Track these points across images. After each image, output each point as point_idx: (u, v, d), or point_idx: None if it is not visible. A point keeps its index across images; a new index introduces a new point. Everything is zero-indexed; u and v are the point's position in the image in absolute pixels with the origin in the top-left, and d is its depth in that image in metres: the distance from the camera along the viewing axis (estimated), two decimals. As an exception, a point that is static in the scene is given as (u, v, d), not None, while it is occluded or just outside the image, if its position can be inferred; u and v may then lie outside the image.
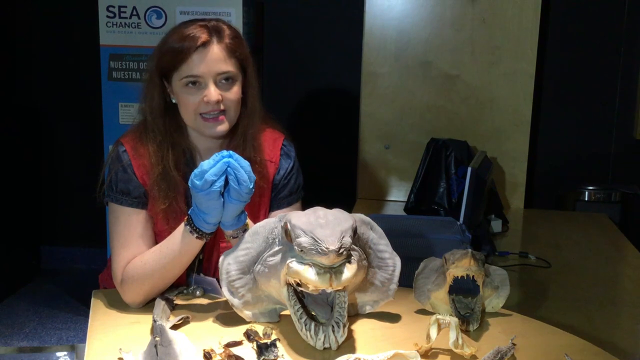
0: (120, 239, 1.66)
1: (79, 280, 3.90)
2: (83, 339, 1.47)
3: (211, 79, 1.64)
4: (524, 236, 2.83)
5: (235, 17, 3.19)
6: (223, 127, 1.68)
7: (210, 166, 1.42)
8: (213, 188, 1.42)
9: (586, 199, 3.41)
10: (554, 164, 3.63)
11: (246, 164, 1.45)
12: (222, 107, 1.66)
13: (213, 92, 1.63)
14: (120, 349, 1.27)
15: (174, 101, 1.71)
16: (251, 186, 1.44)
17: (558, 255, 2.40)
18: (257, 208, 1.78)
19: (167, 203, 1.66)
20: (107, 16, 3.28)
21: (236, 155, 1.44)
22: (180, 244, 1.54)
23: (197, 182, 1.42)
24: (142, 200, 1.68)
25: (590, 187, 3.43)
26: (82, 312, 3.45)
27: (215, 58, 1.64)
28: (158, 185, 1.66)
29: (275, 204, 1.84)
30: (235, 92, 1.68)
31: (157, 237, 1.69)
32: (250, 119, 1.74)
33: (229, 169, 1.43)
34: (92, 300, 1.58)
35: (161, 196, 1.66)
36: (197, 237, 1.51)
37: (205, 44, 1.63)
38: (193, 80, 1.64)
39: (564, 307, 1.92)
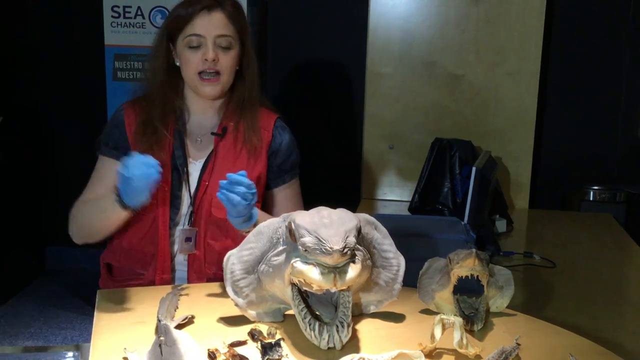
0: (89, 181, 1.93)
1: (83, 280, 3.88)
2: (88, 339, 1.47)
3: (211, 40, 1.85)
4: (528, 236, 2.82)
5: (239, 17, 3.20)
6: (216, 88, 1.89)
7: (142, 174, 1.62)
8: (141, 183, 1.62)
9: (591, 198, 3.41)
10: (559, 164, 3.63)
11: (243, 180, 1.60)
12: (217, 67, 1.86)
13: (211, 52, 1.85)
14: (125, 348, 1.27)
15: (177, 63, 1.91)
16: (247, 202, 1.60)
17: (563, 255, 2.39)
18: (252, 168, 1.91)
19: (147, 149, 1.82)
20: (112, 16, 3.29)
21: (229, 179, 1.60)
22: (110, 208, 1.74)
23: (137, 172, 1.61)
24: (121, 152, 1.85)
25: (595, 187, 3.42)
26: (87, 311, 3.46)
27: (216, 22, 1.86)
28: (140, 133, 1.87)
29: (278, 175, 1.99)
30: (231, 57, 1.88)
31: None
32: (248, 89, 1.94)
33: (220, 196, 1.60)
34: (97, 299, 1.59)
35: (142, 141, 1.86)
36: (124, 209, 1.72)
37: (209, 8, 1.85)
38: (195, 40, 1.85)
39: (568, 307, 1.91)
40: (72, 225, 1.89)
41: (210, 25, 1.85)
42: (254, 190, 1.64)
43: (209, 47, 1.84)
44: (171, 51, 1.92)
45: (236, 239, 1.87)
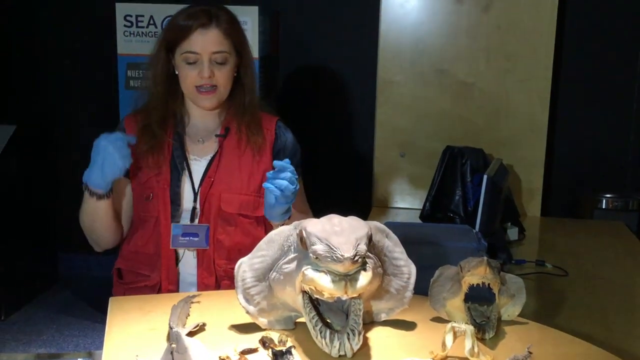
0: None
1: (95, 287, 3.91)
2: (100, 346, 1.48)
3: (207, 57, 1.88)
4: (540, 244, 2.81)
5: (251, 26, 3.21)
6: (213, 100, 1.93)
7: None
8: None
9: (603, 206, 3.39)
10: (571, 172, 3.61)
11: (288, 165, 1.66)
12: (213, 82, 1.89)
13: (206, 69, 1.88)
14: (137, 355, 1.28)
15: (177, 72, 1.94)
16: (294, 187, 1.66)
17: (575, 263, 2.38)
18: (257, 166, 1.95)
19: (147, 151, 1.90)
20: (125, 25, 3.32)
21: (275, 167, 1.67)
22: (87, 204, 1.82)
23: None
24: None
25: (608, 195, 3.41)
26: (99, 319, 3.47)
27: (211, 39, 1.88)
28: (139, 136, 1.90)
29: None
30: (227, 70, 1.91)
31: (144, 185, 1.93)
32: (248, 95, 1.98)
33: (268, 186, 1.65)
34: (109, 307, 1.59)
35: (141, 145, 1.89)
36: (91, 196, 1.79)
37: (205, 26, 1.88)
38: (192, 57, 1.88)
39: (581, 315, 1.90)
40: (85, 234, 1.95)
41: (206, 43, 1.87)
42: (297, 176, 1.70)
43: (204, 65, 1.87)
44: (170, 60, 1.95)
45: (247, 234, 1.92)
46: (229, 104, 2.00)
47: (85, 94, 3.98)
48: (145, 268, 1.95)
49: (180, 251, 1.94)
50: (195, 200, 1.93)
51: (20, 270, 3.74)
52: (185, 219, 1.93)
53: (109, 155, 1.72)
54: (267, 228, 1.99)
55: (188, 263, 1.95)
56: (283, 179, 1.65)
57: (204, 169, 1.95)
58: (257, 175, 1.95)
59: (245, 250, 1.51)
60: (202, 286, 1.91)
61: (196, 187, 1.93)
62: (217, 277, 1.92)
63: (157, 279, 1.92)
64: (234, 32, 1.93)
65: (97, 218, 1.87)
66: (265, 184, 1.67)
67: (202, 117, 2.00)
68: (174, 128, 1.97)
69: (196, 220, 1.93)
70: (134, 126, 1.96)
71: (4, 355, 3.16)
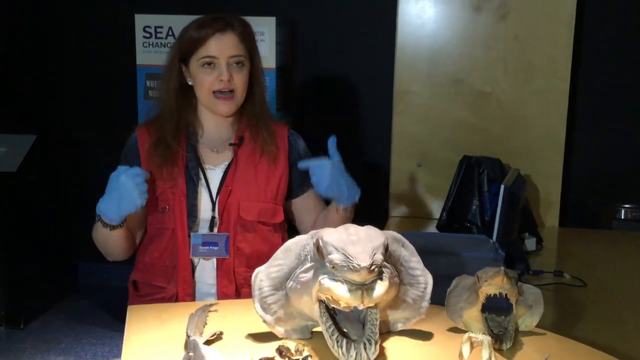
0: None
1: (114, 296, 3.92)
2: (118, 354, 1.49)
3: (224, 60, 1.90)
4: (558, 255, 2.79)
5: (268, 36, 3.24)
6: (231, 106, 1.94)
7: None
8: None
9: (622, 217, 3.36)
10: (589, 182, 3.58)
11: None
12: (231, 86, 1.91)
13: (225, 72, 1.90)
14: (155, 363, 1.29)
15: (189, 83, 1.96)
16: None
17: (594, 274, 2.36)
18: (273, 174, 1.97)
19: (161, 164, 1.91)
20: (144, 36, 3.35)
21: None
22: (99, 231, 1.83)
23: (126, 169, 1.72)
24: None
25: (627, 205, 3.37)
26: (117, 327, 3.50)
27: (228, 43, 1.91)
28: (152, 151, 1.93)
29: (303, 181, 2.04)
30: (243, 75, 1.94)
31: (158, 198, 1.93)
32: (259, 104, 2.02)
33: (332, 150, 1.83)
34: (127, 316, 1.60)
35: (155, 158, 1.92)
36: (104, 226, 1.80)
37: (222, 31, 1.91)
38: (209, 61, 1.90)
39: (599, 327, 1.88)
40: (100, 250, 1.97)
41: (224, 47, 1.90)
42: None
43: (223, 68, 1.90)
44: (183, 72, 1.97)
45: (266, 241, 1.94)
46: (241, 113, 2.01)
47: (105, 104, 4.02)
48: (162, 280, 1.95)
49: (196, 261, 1.95)
50: (213, 210, 1.94)
51: (39, 279, 3.77)
52: (202, 229, 1.94)
53: (128, 192, 1.72)
54: (285, 235, 2.00)
55: (205, 273, 1.95)
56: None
57: (221, 177, 1.96)
58: (274, 182, 1.96)
59: (264, 257, 1.52)
60: (222, 295, 1.92)
61: (214, 196, 1.94)
62: (237, 285, 1.93)
63: (174, 291, 1.93)
64: (248, 38, 1.97)
65: (110, 243, 1.89)
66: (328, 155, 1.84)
67: (216, 126, 2.01)
68: (187, 140, 1.98)
69: (215, 229, 1.93)
70: (146, 138, 1.97)
71: (23, 363, 3.19)
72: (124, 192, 1.72)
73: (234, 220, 1.93)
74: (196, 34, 1.92)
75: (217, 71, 1.91)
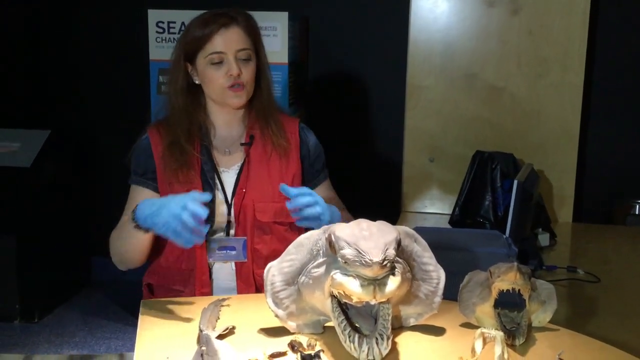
0: (124, 210, 1.93)
1: (127, 291, 3.94)
2: (131, 348, 1.50)
3: (232, 55, 1.89)
4: (572, 250, 2.78)
5: (280, 31, 3.23)
6: (242, 98, 1.93)
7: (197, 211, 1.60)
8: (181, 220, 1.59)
9: (637, 212, 3.33)
10: (603, 177, 3.56)
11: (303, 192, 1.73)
12: (241, 80, 1.90)
13: (234, 67, 1.88)
14: (167, 357, 1.29)
15: (197, 82, 1.94)
16: (320, 209, 1.73)
17: (608, 270, 2.35)
18: (285, 170, 1.96)
19: (176, 168, 1.89)
20: (157, 32, 3.36)
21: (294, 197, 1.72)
22: (132, 231, 1.72)
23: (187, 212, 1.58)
24: (150, 177, 1.92)
25: (641, 201, 3.35)
26: (131, 322, 3.51)
27: (234, 37, 1.89)
28: (167, 155, 1.90)
29: (314, 175, 2.04)
30: (251, 68, 1.93)
31: None
32: (266, 97, 2.00)
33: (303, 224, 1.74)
34: (141, 310, 1.61)
35: (171, 163, 1.89)
36: (139, 230, 1.70)
37: (226, 26, 1.89)
38: (217, 57, 1.88)
39: (613, 322, 1.88)
40: (111, 253, 1.91)
41: (230, 41, 1.89)
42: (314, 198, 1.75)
43: (232, 63, 1.89)
44: (189, 71, 1.95)
45: (283, 241, 1.91)
46: (249, 108, 2.00)
47: (118, 99, 4.03)
48: (179, 284, 1.93)
49: (213, 264, 1.94)
50: (229, 213, 1.93)
51: (54, 273, 3.80)
52: (218, 232, 1.93)
53: (185, 231, 1.59)
54: (301, 233, 1.99)
55: (222, 276, 1.94)
56: (307, 207, 1.71)
57: (234, 180, 1.94)
58: (287, 180, 1.95)
59: None
60: None
61: (229, 199, 1.93)
62: (257, 286, 1.92)
63: (191, 294, 1.91)
64: (253, 31, 1.95)
65: (139, 246, 1.81)
66: (298, 223, 1.75)
67: (226, 124, 2.00)
68: (200, 141, 1.95)
69: (232, 232, 1.93)
70: (159, 140, 1.94)
71: (38, 356, 3.22)
72: (184, 230, 1.59)
73: (250, 222, 1.91)
74: (200, 31, 1.89)
75: (225, 66, 1.89)
